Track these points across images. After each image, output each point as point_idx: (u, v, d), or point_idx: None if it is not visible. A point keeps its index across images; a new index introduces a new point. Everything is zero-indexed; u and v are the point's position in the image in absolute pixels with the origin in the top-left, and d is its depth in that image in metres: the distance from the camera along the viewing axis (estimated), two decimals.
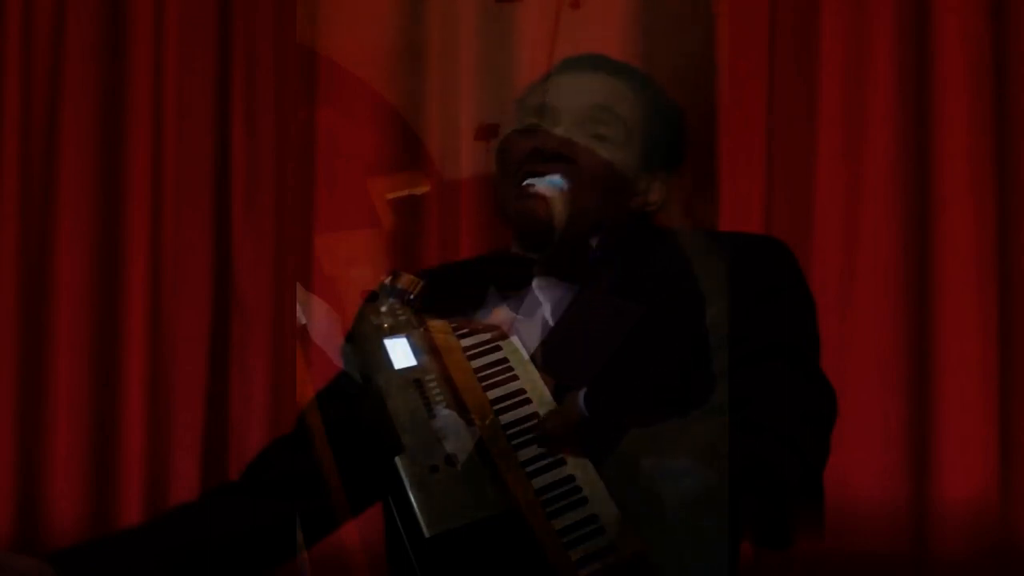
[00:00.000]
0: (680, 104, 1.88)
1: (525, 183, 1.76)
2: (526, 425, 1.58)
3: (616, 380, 1.65)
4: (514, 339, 1.68)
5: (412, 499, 1.52)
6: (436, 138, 2.88)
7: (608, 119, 1.79)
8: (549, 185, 1.75)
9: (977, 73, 2.76)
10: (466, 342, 1.68)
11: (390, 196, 1.85)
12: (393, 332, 1.67)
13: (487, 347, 1.67)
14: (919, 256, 2.76)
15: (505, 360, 1.66)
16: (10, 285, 3.09)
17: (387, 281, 1.72)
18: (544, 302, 1.77)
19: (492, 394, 1.61)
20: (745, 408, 1.61)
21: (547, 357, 1.67)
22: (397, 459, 1.54)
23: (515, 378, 1.63)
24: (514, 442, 1.55)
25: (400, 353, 1.65)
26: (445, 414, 1.59)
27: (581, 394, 1.58)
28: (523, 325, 1.73)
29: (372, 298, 1.73)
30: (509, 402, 1.60)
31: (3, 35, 3.15)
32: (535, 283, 1.78)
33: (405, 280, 1.72)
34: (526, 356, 1.66)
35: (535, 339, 1.71)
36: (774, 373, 1.67)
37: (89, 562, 1.74)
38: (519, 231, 1.81)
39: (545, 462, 1.54)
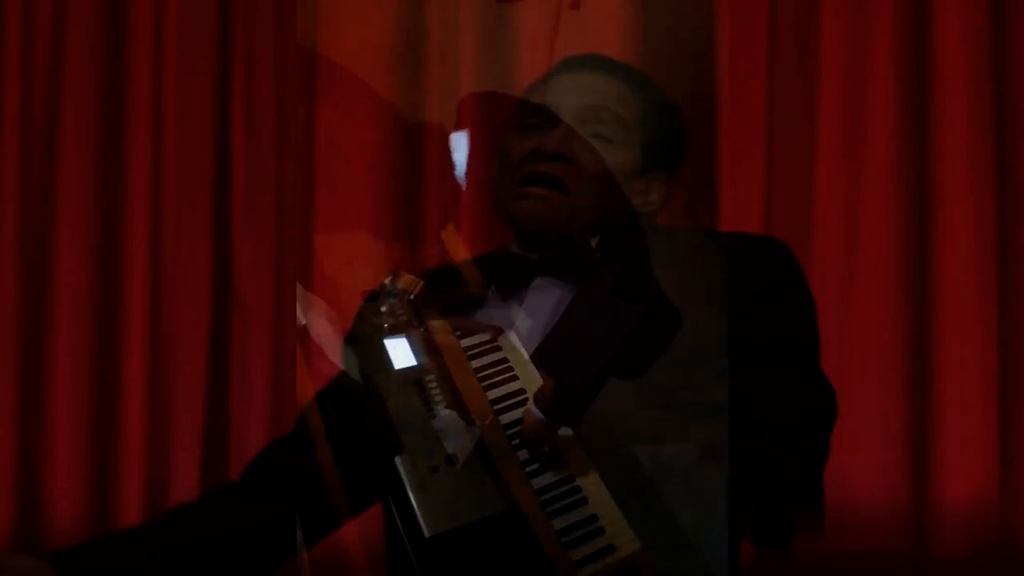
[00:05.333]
0: (680, 104, 1.88)
1: (525, 183, 1.76)
2: None
3: (615, 380, 1.65)
4: (513, 338, 1.68)
5: (412, 499, 1.52)
6: (436, 138, 2.87)
7: (608, 119, 1.79)
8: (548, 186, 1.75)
9: (977, 73, 2.76)
10: (466, 342, 1.68)
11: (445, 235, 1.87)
12: (393, 332, 1.67)
13: (487, 347, 1.67)
14: (919, 256, 2.76)
15: (505, 360, 1.65)
16: (10, 285, 3.09)
17: (387, 281, 1.72)
18: (544, 302, 1.77)
19: (492, 394, 1.61)
20: (745, 408, 1.61)
21: (547, 357, 1.67)
22: (397, 459, 1.54)
23: (515, 378, 1.63)
24: (514, 442, 1.55)
25: (400, 353, 1.65)
26: (445, 414, 1.59)
27: (531, 402, 1.56)
28: (523, 325, 1.73)
29: (372, 298, 1.73)
30: (509, 402, 1.60)
31: (3, 35, 3.15)
32: (535, 283, 1.78)
33: (405, 280, 1.72)
34: (526, 356, 1.66)
35: (535, 339, 1.71)
36: (774, 373, 1.67)
37: (89, 562, 1.74)
38: (519, 231, 1.81)
39: (545, 462, 1.54)
